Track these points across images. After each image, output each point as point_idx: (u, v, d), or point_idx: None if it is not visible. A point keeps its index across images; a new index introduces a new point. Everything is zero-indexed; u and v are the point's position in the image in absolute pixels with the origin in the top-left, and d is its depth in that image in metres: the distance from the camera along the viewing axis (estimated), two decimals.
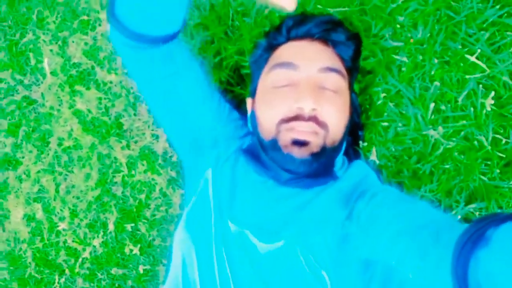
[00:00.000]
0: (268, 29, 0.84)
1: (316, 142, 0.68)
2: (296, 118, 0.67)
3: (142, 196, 1.09)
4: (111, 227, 1.10)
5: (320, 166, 0.69)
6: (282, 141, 0.69)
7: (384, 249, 0.60)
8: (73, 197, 1.17)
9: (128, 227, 1.09)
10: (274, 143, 0.70)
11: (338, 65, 0.72)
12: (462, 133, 0.78)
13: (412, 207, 0.63)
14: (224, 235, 0.71)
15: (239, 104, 0.98)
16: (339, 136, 0.71)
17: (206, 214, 0.74)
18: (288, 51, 0.73)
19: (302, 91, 0.67)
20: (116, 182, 1.13)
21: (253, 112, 0.78)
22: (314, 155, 0.67)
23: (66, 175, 1.18)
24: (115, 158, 1.12)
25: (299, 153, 0.67)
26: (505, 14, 0.75)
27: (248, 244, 0.68)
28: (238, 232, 0.70)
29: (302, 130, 0.67)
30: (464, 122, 0.78)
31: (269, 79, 0.73)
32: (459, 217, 0.78)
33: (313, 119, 0.67)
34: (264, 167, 0.74)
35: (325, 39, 0.74)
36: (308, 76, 0.69)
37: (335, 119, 0.69)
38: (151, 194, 1.09)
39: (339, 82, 0.71)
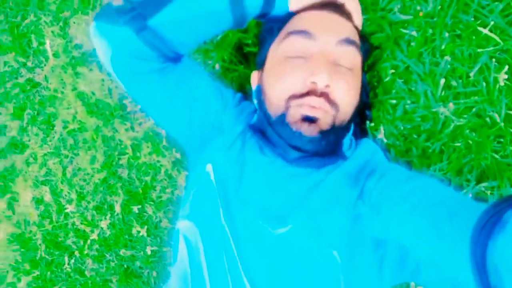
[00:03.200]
0: None
1: (325, 120, 0.66)
2: (308, 93, 0.65)
3: (148, 178, 1.08)
4: (118, 209, 1.10)
5: (328, 144, 0.67)
6: (291, 117, 0.66)
7: (397, 226, 0.58)
8: (79, 179, 1.17)
9: (135, 209, 1.09)
10: (282, 118, 0.67)
11: (357, 39, 0.69)
12: (474, 109, 0.75)
13: (423, 184, 0.61)
14: (231, 219, 0.69)
15: (241, 85, 0.96)
16: (349, 116, 0.69)
17: (210, 202, 0.72)
18: (306, 19, 0.70)
19: (318, 65, 0.64)
20: (121, 165, 1.12)
21: (258, 87, 0.75)
22: (323, 133, 0.65)
23: (72, 157, 1.18)
24: (119, 140, 1.11)
25: (308, 130, 0.65)
26: None
27: (257, 228, 0.67)
28: (246, 215, 0.68)
29: (313, 106, 0.64)
30: (476, 98, 0.75)
31: (282, 47, 0.70)
32: (470, 195, 0.76)
33: (325, 96, 0.65)
34: (271, 143, 0.72)
35: (346, 12, 0.71)
36: (325, 49, 0.66)
37: (347, 98, 0.67)
38: (156, 176, 1.08)
39: (356, 57, 0.69)
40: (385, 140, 0.82)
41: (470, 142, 0.76)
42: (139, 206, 1.09)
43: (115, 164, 1.12)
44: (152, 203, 1.08)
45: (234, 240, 0.68)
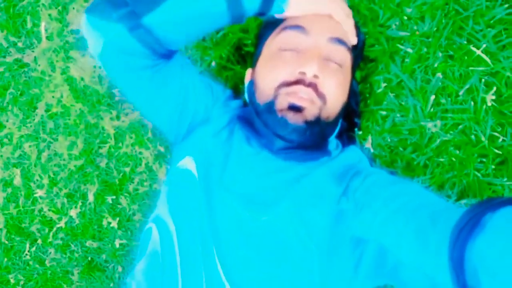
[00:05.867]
0: None
1: (311, 110, 0.67)
2: (297, 82, 0.66)
3: (127, 169, 1.06)
4: (90, 198, 1.06)
5: (312, 136, 0.68)
6: (278, 105, 0.68)
7: (380, 226, 0.58)
8: (54, 165, 1.13)
9: (109, 199, 1.05)
10: (270, 106, 0.69)
11: (347, 40, 0.71)
12: (460, 126, 0.78)
13: (407, 188, 0.62)
14: (211, 207, 0.68)
15: (235, 84, 0.96)
16: (335, 112, 0.70)
17: (188, 192, 0.71)
18: (302, 16, 0.72)
19: (308, 57, 0.66)
20: (101, 153, 1.09)
21: (251, 82, 0.76)
22: (308, 123, 0.67)
23: (50, 142, 1.14)
24: (103, 128, 1.09)
25: (293, 118, 0.66)
26: None
27: (238, 215, 0.66)
28: (228, 203, 0.67)
29: (300, 96, 0.66)
30: (463, 116, 0.77)
31: (276, 41, 0.72)
32: None
33: (313, 86, 0.66)
34: (258, 134, 0.72)
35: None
36: (317, 44, 0.69)
37: (334, 92, 0.69)
38: (136, 168, 1.05)
39: (346, 57, 0.71)
40: (372, 150, 0.83)
41: (454, 159, 0.78)
42: (114, 197, 1.05)
43: (95, 152, 1.09)
44: (127, 195, 1.05)
45: (211, 228, 0.66)
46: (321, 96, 0.67)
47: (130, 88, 0.75)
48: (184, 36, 0.70)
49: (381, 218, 0.59)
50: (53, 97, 1.15)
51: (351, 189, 0.65)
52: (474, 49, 0.75)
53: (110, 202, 1.05)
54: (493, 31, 0.76)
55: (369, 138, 0.83)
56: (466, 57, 0.77)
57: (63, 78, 1.14)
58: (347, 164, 0.72)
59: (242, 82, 0.94)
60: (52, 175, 1.12)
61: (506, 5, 0.76)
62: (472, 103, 0.77)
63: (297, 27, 0.70)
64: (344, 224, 0.63)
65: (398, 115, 0.82)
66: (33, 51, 1.18)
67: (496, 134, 0.76)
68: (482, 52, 0.75)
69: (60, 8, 1.16)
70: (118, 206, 1.05)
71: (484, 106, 0.76)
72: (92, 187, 1.07)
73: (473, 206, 0.46)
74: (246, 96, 0.80)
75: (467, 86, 0.77)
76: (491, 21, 0.77)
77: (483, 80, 0.76)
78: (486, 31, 0.77)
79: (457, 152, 0.78)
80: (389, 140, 0.83)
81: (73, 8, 1.15)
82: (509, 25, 0.76)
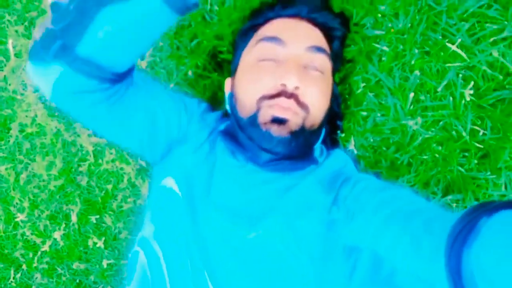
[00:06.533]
0: (258, 6, 0.81)
1: (295, 121, 0.66)
2: (279, 95, 0.65)
3: (109, 187, 1.03)
4: (74, 218, 1.04)
5: (298, 146, 0.67)
6: (261, 118, 0.66)
7: (373, 235, 0.58)
8: (34, 187, 1.10)
9: (93, 219, 1.03)
10: (253, 119, 0.67)
11: (326, 47, 0.70)
12: (441, 123, 0.77)
13: (397, 194, 0.62)
14: (198, 226, 0.66)
15: (214, 92, 0.95)
16: (319, 120, 0.70)
17: (173, 212, 0.69)
18: (277, 26, 0.71)
19: (287, 68, 0.65)
20: (81, 172, 1.06)
21: (231, 93, 0.75)
22: (293, 134, 0.66)
23: (28, 163, 1.11)
24: (81, 145, 1.06)
25: (277, 131, 0.65)
26: (485, 5, 0.75)
27: (227, 232, 0.65)
28: (216, 219, 0.66)
29: (282, 107, 0.65)
30: (443, 112, 0.77)
31: (254, 52, 0.71)
32: None
33: (295, 97, 0.65)
34: (242, 148, 0.71)
35: (314, 21, 0.72)
36: (295, 54, 0.68)
37: (317, 101, 0.68)
38: (118, 184, 1.03)
39: (325, 63, 0.70)
40: (355, 151, 0.82)
41: (437, 155, 0.78)
42: (97, 216, 1.03)
43: (74, 171, 1.06)
44: (111, 213, 1.03)
45: (200, 250, 0.65)
46: (303, 106, 0.66)
47: (93, 124, 0.70)
48: (127, 53, 0.62)
49: (374, 226, 0.59)
50: (26, 116, 1.11)
51: (341, 197, 0.64)
52: (449, 44, 0.75)
53: (94, 221, 1.03)
54: (467, 24, 0.76)
55: (352, 139, 0.83)
56: (442, 53, 0.77)
57: (36, 96, 1.11)
58: (334, 170, 0.71)
59: (221, 90, 0.92)
60: (32, 198, 1.09)
61: None
62: (451, 98, 0.77)
63: (274, 38, 0.69)
64: (336, 233, 0.62)
65: (378, 114, 0.82)
66: (2, 70, 1.14)
67: (476, 128, 0.76)
68: (457, 47, 0.75)
69: (26, 23, 1.13)
70: (103, 225, 1.03)
71: (463, 101, 0.76)
72: (75, 207, 1.05)
73: (468, 211, 0.46)
74: (227, 107, 0.78)
75: (445, 82, 0.77)
76: (464, 15, 0.76)
77: (460, 75, 0.76)
78: (460, 25, 0.76)
79: (440, 148, 0.78)
80: (371, 140, 0.82)
81: (41, 22, 1.12)
82: (481, 17, 0.76)
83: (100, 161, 1.04)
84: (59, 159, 1.07)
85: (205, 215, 0.67)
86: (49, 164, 1.09)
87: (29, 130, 1.10)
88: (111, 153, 1.04)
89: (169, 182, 0.72)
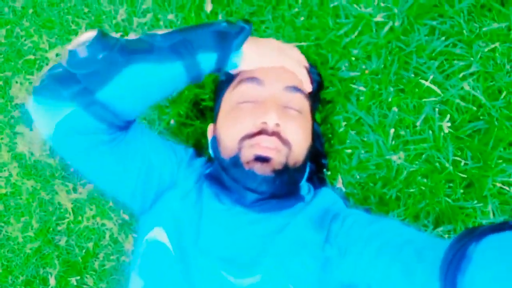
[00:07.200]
0: None
1: (278, 159, 0.66)
2: (259, 133, 0.66)
3: (90, 245, 0.98)
4: (52, 282, 0.97)
5: (282, 185, 0.67)
6: (244, 158, 0.67)
7: (366, 269, 0.57)
8: (8, 251, 1.03)
9: (73, 280, 0.97)
10: (235, 160, 0.67)
11: (302, 87, 0.72)
12: (424, 156, 0.80)
13: (386, 226, 0.62)
14: (190, 276, 0.64)
15: (198, 140, 0.95)
16: (301, 157, 0.70)
17: (163, 263, 0.67)
18: (256, 69, 0.73)
19: (267, 107, 0.67)
20: (59, 231, 1.01)
21: (214, 137, 0.75)
22: (276, 173, 0.66)
23: (1, 226, 1.05)
24: (59, 203, 1.02)
25: (261, 169, 0.65)
26: (451, 45, 0.81)
27: (220, 280, 0.62)
28: (208, 267, 0.63)
29: (264, 146, 0.66)
30: (424, 145, 0.79)
31: (233, 95, 0.72)
32: None
33: (276, 135, 0.66)
34: (227, 190, 0.70)
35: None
36: (274, 93, 0.69)
37: (298, 137, 0.69)
38: (100, 241, 0.98)
39: (303, 103, 0.72)
40: (343, 189, 0.83)
41: (423, 187, 0.79)
42: (78, 277, 0.97)
43: (52, 230, 1.01)
44: (93, 273, 0.97)
45: None
46: (285, 142, 0.67)
47: (88, 167, 0.70)
48: (142, 104, 0.69)
49: (365, 259, 0.58)
50: (0, 177, 1.07)
51: (332, 234, 0.64)
52: (423, 81, 0.79)
53: (75, 283, 0.96)
54: (436, 62, 0.81)
55: (339, 177, 0.83)
56: (416, 89, 0.81)
57: (10, 155, 1.07)
58: (323, 208, 0.71)
59: (204, 137, 0.92)
60: (6, 263, 1.02)
61: (443, 38, 0.81)
62: (430, 132, 0.79)
63: (253, 79, 0.71)
64: (331, 272, 0.62)
65: (362, 151, 0.83)
66: None
67: (458, 158, 0.78)
68: (430, 83, 0.79)
69: (1, 83, 1.12)
70: (84, 286, 0.96)
71: (442, 133, 0.79)
72: (53, 270, 0.98)
73: (457, 238, 0.47)
74: (210, 151, 0.78)
75: (422, 116, 0.80)
76: (433, 54, 0.81)
77: (436, 109, 0.80)
78: (430, 63, 0.81)
79: (425, 180, 0.79)
80: (358, 177, 0.83)
81: (16, 82, 1.11)
82: (449, 55, 0.81)
83: (79, 218, 1.00)
84: (35, 219, 1.02)
85: (196, 264, 0.64)
86: (24, 225, 1.03)
87: (3, 191, 1.06)
88: (91, 209, 1.00)
89: (158, 233, 0.70)
